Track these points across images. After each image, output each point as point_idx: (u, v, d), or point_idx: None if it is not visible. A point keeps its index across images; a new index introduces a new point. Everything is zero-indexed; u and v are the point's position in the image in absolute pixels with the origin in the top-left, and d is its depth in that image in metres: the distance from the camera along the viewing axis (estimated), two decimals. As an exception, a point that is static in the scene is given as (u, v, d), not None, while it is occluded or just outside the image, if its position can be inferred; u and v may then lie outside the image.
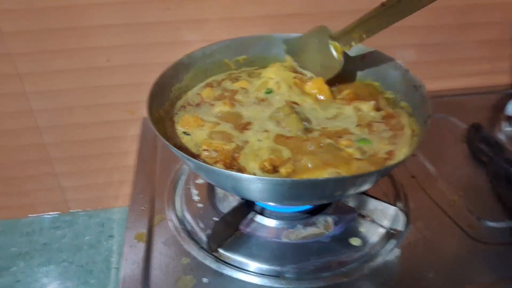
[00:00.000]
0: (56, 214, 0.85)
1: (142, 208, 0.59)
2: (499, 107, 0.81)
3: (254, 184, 0.43)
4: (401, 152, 0.51)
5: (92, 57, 0.72)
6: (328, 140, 0.52)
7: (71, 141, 0.80)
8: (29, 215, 0.84)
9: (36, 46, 0.70)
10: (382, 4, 0.53)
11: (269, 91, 0.62)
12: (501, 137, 0.74)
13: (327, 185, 0.44)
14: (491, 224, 0.56)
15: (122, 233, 0.90)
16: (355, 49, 0.65)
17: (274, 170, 0.48)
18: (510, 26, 0.71)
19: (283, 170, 0.47)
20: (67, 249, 0.81)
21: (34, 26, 0.69)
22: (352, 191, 0.48)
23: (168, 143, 0.46)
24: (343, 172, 0.46)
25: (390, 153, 0.51)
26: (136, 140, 0.80)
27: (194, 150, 0.52)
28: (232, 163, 0.49)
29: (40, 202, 0.85)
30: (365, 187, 0.48)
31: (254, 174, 0.47)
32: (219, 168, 0.46)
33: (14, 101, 0.74)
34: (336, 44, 0.61)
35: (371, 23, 0.55)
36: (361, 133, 0.54)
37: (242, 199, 0.57)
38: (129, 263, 0.50)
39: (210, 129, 0.54)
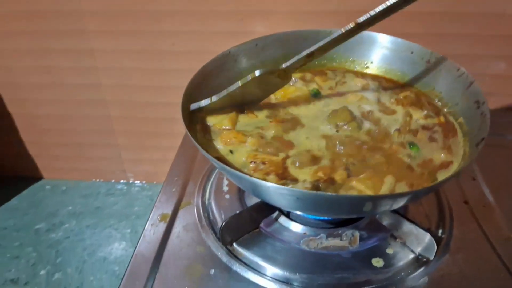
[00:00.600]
0: (113, 181, 0.92)
1: (174, 189, 0.61)
2: None
3: (280, 194, 0.42)
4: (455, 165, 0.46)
5: (159, 40, 0.75)
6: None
7: (133, 116, 0.85)
8: (91, 179, 0.91)
9: (110, 25, 0.75)
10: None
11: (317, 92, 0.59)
12: None
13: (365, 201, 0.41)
14: (549, 273, 0.48)
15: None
16: (420, 52, 0.59)
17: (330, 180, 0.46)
18: None
19: (338, 178, 0.45)
20: (116, 215, 0.87)
21: (111, 5, 0.73)
22: (385, 208, 0.44)
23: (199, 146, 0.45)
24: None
25: (445, 164, 0.47)
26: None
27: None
28: (284, 174, 0.47)
29: (102, 169, 0.92)
30: (400, 204, 0.44)
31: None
32: (242, 174, 0.44)
33: (86, 75, 0.81)
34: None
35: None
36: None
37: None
38: (146, 241, 0.52)
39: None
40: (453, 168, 0.48)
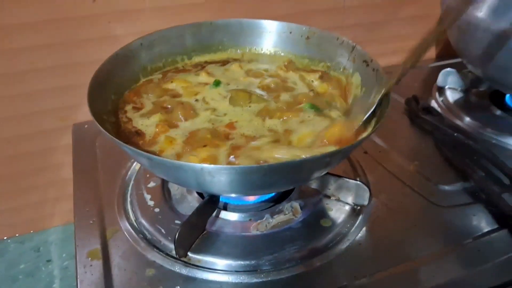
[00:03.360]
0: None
1: (91, 222, 0.53)
2: (430, 79, 0.85)
3: (224, 175, 0.40)
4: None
5: (13, 60, 0.63)
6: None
7: (-9, 158, 0.69)
8: None
9: None
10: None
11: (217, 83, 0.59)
12: (435, 106, 0.78)
13: (306, 166, 0.42)
14: (447, 188, 0.59)
15: (62, 256, 0.81)
16: (298, 30, 0.64)
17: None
18: (440, 1, 0.75)
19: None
20: (1, 282, 0.70)
21: None
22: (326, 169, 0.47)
23: (117, 140, 0.41)
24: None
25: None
26: (69, 150, 0.72)
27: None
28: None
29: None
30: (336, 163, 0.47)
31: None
32: (184, 162, 0.42)
33: None
34: None
35: None
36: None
37: (202, 195, 0.54)
38: (86, 285, 0.44)
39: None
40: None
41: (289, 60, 0.63)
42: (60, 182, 0.74)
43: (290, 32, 0.65)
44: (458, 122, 0.73)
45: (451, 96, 0.80)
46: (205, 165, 0.39)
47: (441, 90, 0.82)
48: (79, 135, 0.68)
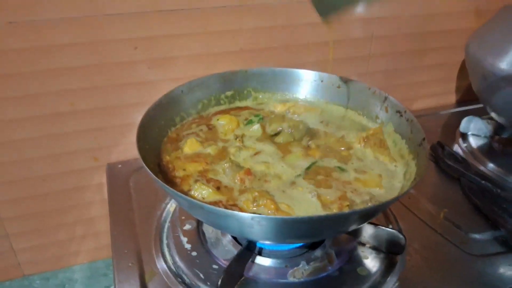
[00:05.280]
0: (8, 281, 0.74)
1: (130, 264, 0.53)
2: (452, 125, 0.87)
3: (264, 224, 0.41)
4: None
5: (55, 102, 0.65)
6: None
7: (26, 197, 0.71)
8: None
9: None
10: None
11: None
12: (459, 151, 0.79)
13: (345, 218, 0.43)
14: (478, 236, 0.59)
15: (86, 293, 0.81)
16: (329, 79, 0.67)
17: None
18: (462, 49, 0.77)
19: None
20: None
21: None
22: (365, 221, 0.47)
23: (159, 180, 0.43)
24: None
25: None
26: (100, 189, 0.73)
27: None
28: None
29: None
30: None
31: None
32: (228, 210, 0.43)
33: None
34: None
35: None
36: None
37: (236, 239, 0.55)
38: (130, 330, 0.45)
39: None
40: (398, 170, 0.55)
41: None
42: (88, 221, 0.75)
43: (322, 81, 0.67)
44: (483, 169, 0.74)
45: (475, 142, 0.81)
46: (256, 215, 0.40)
47: (464, 136, 0.83)
48: (113, 175, 0.70)
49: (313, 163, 0.55)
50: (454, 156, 0.74)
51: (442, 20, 0.85)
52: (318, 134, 0.61)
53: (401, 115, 0.57)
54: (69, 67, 0.63)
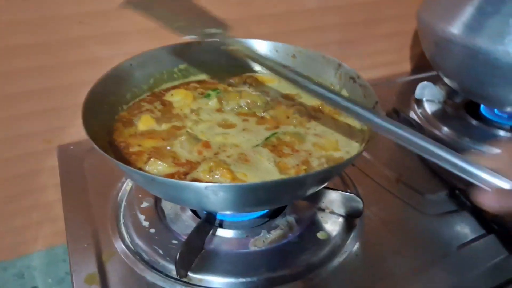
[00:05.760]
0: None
1: (85, 245, 0.52)
2: (407, 92, 0.89)
3: (219, 192, 0.40)
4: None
5: (1, 84, 0.61)
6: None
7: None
8: None
9: None
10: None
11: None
12: (414, 117, 0.81)
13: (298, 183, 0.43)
14: (434, 197, 0.61)
15: (47, 281, 0.79)
16: (284, 49, 0.66)
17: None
18: (415, 17, 0.78)
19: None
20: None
21: None
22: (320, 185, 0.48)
23: (110, 157, 0.41)
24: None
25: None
26: (54, 172, 0.70)
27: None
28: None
29: None
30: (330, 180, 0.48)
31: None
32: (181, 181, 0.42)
33: None
34: None
35: None
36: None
37: (196, 213, 0.55)
38: (87, 311, 0.43)
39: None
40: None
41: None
42: (43, 206, 0.72)
43: (277, 51, 0.66)
44: (438, 133, 0.76)
45: (429, 108, 0.83)
46: (210, 184, 0.39)
47: (419, 102, 0.85)
48: (65, 157, 0.67)
49: (273, 134, 0.54)
50: (409, 122, 0.76)
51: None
52: (278, 106, 0.60)
53: (355, 81, 0.58)
54: (14, 45, 0.60)
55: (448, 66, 0.75)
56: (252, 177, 0.46)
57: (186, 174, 0.46)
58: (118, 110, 0.57)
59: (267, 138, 0.53)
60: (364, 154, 0.69)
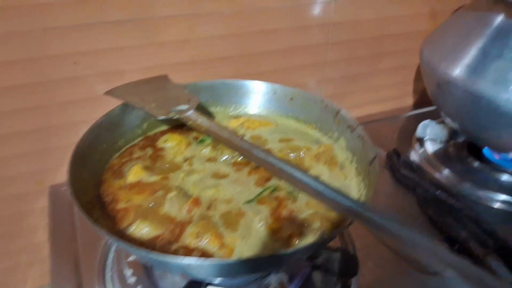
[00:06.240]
0: None
1: (68, 299, 0.50)
2: (409, 129, 0.87)
3: (205, 268, 0.38)
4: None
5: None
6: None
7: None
8: None
9: None
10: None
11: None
12: (415, 157, 0.79)
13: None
14: (433, 252, 0.59)
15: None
16: (282, 91, 0.64)
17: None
18: (418, 51, 0.77)
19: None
20: None
21: None
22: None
23: (90, 220, 0.39)
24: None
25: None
26: (45, 213, 0.69)
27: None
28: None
29: None
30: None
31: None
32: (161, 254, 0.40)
33: None
34: None
35: None
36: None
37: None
38: None
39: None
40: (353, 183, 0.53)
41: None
42: (33, 247, 0.71)
43: (275, 93, 0.65)
44: (438, 175, 0.74)
45: (431, 147, 0.81)
46: (191, 261, 0.37)
47: (421, 141, 0.83)
48: (56, 199, 0.66)
49: (266, 189, 0.52)
50: (409, 164, 0.74)
51: (398, 23, 0.84)
52: (273, 153, 0.58)
53: (353, 130, 0.56)
54: (7, 86, 0.58)
55: (450, 107, 0.73)
56: (242, 244, 0.44)
57: (171, 242, 0.44)
58: (110, 158, 0.56)
59: (259, 194, 0.51)
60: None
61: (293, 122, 0.65)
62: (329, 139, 0.60)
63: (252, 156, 0.49)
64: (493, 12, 0.64)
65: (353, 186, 0.53)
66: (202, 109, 0.65)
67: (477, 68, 0.65)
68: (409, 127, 0.88)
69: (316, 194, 0.41)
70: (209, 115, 0.66)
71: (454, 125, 0.76)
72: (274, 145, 0.59)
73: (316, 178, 0.42)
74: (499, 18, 0.63)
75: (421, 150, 0.81)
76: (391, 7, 0.81)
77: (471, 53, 0.65)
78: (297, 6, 0.72)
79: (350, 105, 0.89)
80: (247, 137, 0.61)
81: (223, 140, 0.53)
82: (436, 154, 0.80)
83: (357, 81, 0.87)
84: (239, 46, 0.72)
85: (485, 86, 0.63)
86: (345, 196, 0.40)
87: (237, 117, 0.66)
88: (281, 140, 0.61)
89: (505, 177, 0.73)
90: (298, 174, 0.43)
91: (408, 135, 0.86)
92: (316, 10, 0.75)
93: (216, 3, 0.66)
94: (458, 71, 0.67)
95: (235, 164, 0.56)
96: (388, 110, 0.94)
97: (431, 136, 0.83)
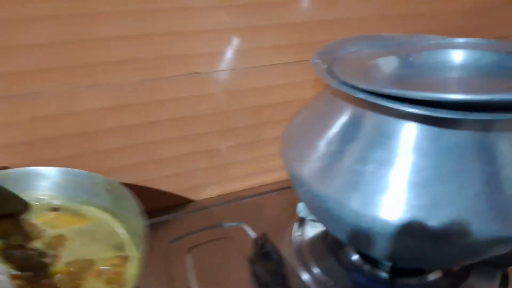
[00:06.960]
0: None
1: None
2: (294, 202, 0.76)
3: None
4: None
5: None
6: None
7: None
8: None
9: None
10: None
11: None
12: (290, 243, 0.69)
13: None
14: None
15: None
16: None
17: None
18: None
19: None
20: None
21: None
22: None
23: None
24: None
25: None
26: None
27: None
28: None
29: None
30: None
31: None
32: None
33: None
34: None
35: None
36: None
37: None
38: None
39: None
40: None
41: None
42: None
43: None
44: (305, 276, 0.62)
45: (310, 230, 0.71)
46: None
47: (302, 221, 0.73)
48: None
49: None
50: (270, 256, 0.64)
51: (279, 92, 0.76)
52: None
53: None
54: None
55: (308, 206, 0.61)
56: None
57: None
58: None
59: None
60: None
61: (107, 217, 0.56)
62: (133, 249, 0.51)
63: None
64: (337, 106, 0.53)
65: None
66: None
67: (321, 170, 0.51)
68: (294, 199, 0.77)
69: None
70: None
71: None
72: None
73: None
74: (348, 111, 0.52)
75: (299, 233, 0.71)
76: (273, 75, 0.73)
77: (316, 151, 0.53)
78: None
79: (235, 176, 0.81)
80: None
81: None
82: (314, 239, 0.70)
83: (237, 153, 0.79)
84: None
85: (330, 192, 0.50)
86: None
87: (57, 209, 0.58)
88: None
89: (383, 274, 0.63)
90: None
91: (292, 211, 0.76)
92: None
93: None
94: (306, 171, 0.53)
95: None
96: (275, 180, 0.84)
97: (311, 217, 0.73)
